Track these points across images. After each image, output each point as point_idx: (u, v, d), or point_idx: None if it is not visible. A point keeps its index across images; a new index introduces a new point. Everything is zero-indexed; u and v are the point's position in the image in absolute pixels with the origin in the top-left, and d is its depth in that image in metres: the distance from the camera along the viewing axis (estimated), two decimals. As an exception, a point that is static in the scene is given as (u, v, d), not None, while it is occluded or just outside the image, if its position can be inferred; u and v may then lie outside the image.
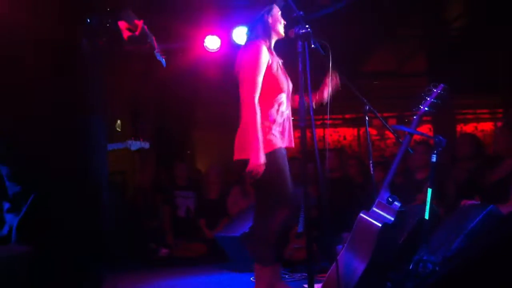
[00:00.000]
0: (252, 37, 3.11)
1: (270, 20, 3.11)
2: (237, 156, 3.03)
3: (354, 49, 6.89)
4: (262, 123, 2.96)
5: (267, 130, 2.99)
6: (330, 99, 3.10)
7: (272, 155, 2.96)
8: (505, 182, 3.89)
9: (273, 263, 3.06)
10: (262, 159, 2.87)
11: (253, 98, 2.93)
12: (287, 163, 3.04)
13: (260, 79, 2.97)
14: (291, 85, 3.15)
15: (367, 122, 3.47)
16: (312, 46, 2.66)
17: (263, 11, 3.12)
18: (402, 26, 7.02)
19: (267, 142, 2.96)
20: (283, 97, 3.08)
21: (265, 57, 2.99)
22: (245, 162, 2.91)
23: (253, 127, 2.90)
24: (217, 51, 6.14)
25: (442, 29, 7.26)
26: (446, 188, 4.65)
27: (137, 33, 1.90)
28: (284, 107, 3.08)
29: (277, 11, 3.15)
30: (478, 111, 11.36)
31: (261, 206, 3.13)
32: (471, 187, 4.20)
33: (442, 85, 3.22)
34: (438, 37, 7.41)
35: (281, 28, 3.13)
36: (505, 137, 4.04)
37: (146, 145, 3.82)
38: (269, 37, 3.11)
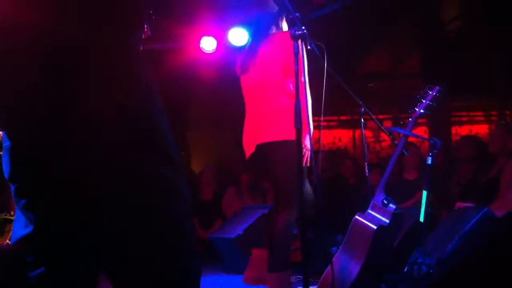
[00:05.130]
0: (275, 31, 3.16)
1: (282, 25, 3.16)
2: (257, 141, 3.05)
3: (350, 51, 6.89)
4: (281, 108, 3.02)
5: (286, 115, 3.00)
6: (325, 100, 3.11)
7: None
8: (496, 181, 3.91)
9: (283, 269, 3.03)
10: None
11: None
12: None
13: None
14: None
15: (362, 124, 3.47)
16: (308, 47, 2.66)
17: (277, 15, 3.15)
18: (398, 28, 7.04)
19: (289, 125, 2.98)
20: None
21: None
22: (285, 143, 2.94)
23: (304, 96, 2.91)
24: (213, 52, 6.13)
25: (438, 31, 7.28)
26: (447, 190, 4.67)
27: (144, 36, 1.83)
28: None
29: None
30: (473, 113, 11.41)
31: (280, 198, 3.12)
32: (473, 189, 4.21)
33: (437, 87, 3.23)
34: (433, 39, 7.43)
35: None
36: (499, 137, 4.06)
37: None
38: None
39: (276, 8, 3.19)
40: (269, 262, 3.04)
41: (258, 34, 3.24)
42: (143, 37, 1.57)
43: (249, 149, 3.16)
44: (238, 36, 5.54)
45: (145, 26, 1.58)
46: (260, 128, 3.08)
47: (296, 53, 2.59)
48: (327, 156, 6.03)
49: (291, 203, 2.98)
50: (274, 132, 3.00)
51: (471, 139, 5.12)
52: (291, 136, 2.78)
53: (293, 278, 4.04)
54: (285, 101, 3.02)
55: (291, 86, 3.03)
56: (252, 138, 3.13)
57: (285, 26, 3.18)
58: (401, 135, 3.23)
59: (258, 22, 3.28)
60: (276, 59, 3.11)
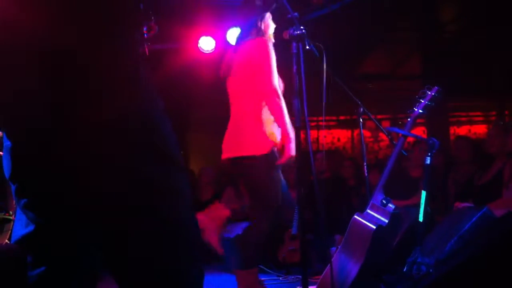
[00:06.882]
0: (253, 35, 3.12)
1: (262, 26, 3.14)
2: (232, 154, 3.04)
3: (349, 51, 6.89)
4: (258, 118, 3.00)
5: (263, 126, 3.01)
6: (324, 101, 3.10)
7: (272, 154, 2.97)
8: (496, 182, 3.91)
9: (254, 266, 3.05)
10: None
11: (276, 87, 2.96)
12: None
13: (275, 69, 2.98)
14: (282, 86, 3.16)
15: (361, 124, 3.47)
16: (307, 47, 2.65)
17: (256, 17, 3.14)
18: (397, 29, 7.05)
19: (266, 138, 2.98)
20: None
21: (273, 51, 3.02)
22: (243, 160, 2.93)
23: (282, 114, 2.93)
24: (212, 52, 6.12)
25: (437, 31, 7.29)
26: (444, 191, 4.67)
27: (151, 33, 1.82)
28: None
29: (268, 17, 3.17)
30: (472, 113, 11.43)
31: (255, 207, 3.13)
32: (471, 190, 4.22)
33: (436, 87, 3.23)
34: (432, 40, 7.44)
35: (271, 33, 3.16)
36: (496, 137, 4.06)
37: None
38: None
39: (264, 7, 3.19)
40: (237, 258, 3.05)
41: (239, 37, 3.25)
42: (150, 34, 1.57)
43: (225, 153, 3.16)
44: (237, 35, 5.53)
45: (150, 25, 1.57)
46: (235, 141, 3.09)
47: (295, 54, 2.59)
48: (326, 156, 6.02)
49: (268, 208, 3.01)
50: (247, 147, 3.01)
51: (466, 140, 5.12)
52: (264, 150, 2.93)
53: (292, 278, 4.06)
54: (257, 113, 3.03)
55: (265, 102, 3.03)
56: (228, 147, 3.13)
57: (268, 27, 3.17)
58: (400, 135, 3.23)
59: (242, 24, 3.30)
60: (245, 68, 3.11)
